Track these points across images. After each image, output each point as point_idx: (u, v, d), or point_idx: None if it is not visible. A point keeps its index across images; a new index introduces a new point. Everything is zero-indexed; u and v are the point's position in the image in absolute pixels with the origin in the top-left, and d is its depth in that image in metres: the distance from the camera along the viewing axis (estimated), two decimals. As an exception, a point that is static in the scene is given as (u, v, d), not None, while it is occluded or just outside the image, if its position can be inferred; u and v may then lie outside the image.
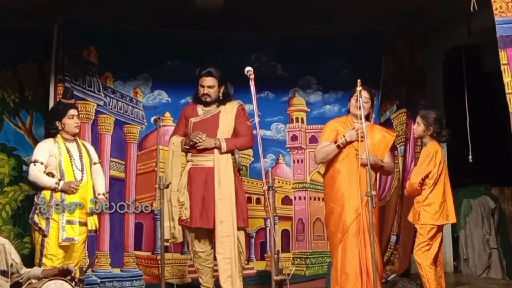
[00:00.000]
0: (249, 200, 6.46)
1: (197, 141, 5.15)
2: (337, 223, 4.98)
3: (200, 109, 5.34)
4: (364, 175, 4.73)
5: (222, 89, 5.32)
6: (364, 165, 4.74)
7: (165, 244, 5.18)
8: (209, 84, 5.26)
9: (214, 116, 5.28)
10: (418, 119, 4.99)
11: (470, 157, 6.25)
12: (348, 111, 5.21)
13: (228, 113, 5.29)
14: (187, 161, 5.28)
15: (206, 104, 5.30)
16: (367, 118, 5.11)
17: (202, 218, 5.12)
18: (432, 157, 4.83)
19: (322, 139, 5.20)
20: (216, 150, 5.16)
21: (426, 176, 4.83)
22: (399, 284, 3.30)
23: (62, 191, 4.88)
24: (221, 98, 5.31)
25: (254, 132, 4.97)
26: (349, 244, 4.89)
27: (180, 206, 5.13)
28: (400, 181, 6.65)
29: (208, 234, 5.24)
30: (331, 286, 5.03)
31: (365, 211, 4.80)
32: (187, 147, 5.23)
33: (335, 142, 5.04)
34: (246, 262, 5.37)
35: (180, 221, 5.15)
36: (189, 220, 5.13)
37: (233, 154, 5.20)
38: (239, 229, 5.16)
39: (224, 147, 5.16)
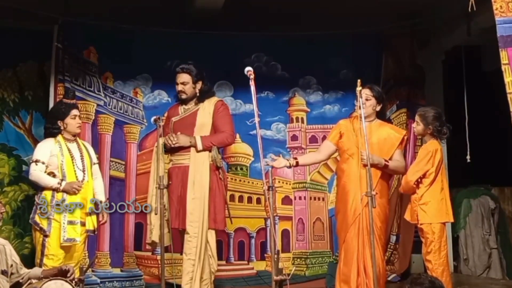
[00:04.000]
0: (249, 200, 6.47)
1: (170, 144, 5.04)
2: (341, 222, 4.99)
3: (181, 108, 5.25)
4: (366, 175, 4.75)
5: (198, 86, 5.18)
6: (365, 166, 4.73)
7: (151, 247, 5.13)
8: (182, 81, 5.15)
9: (192, 114, 5.17)
10: (417, 118, 4.93)
11: (468, 157, 6.26)
12: (354, 111, 5.22)
13: (205, 110, 5.15)
14: (169, 161, 5.20)
15: (183, 101, 5.20)
16: (377, 115, 5.09)
17: (178, 218, 5.02)
18: (431, 156, 4.79)
19: (328, 138, 5.25)
20: (192, 149, 5.04)
21: (424, 175, 4.80)
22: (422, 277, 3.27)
23: (64, 191, 4.86)
24: (198, 94, 5.18)
25: (254, 132, 4.95)
26: (350, 244, 4.89)
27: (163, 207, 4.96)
28: (400, 181, 6.64)
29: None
30: (336, 285, 5.03)
31: (366, 211, 4.80)
32: (166, 149, 5.12)
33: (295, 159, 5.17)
34: (216, 267, 5.12)
35: (166, 223, 5.00)
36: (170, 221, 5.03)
37: (211, 151, 5.06)
38: (210, 230, 5.01)
39: (199, 145, 5.03)
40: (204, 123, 5.12)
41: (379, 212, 4.85)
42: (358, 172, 4.89)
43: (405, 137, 5.24)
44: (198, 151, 5.04)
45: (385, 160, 4.96)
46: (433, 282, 3.26)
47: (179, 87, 5.17)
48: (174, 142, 5.03)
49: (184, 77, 5.16)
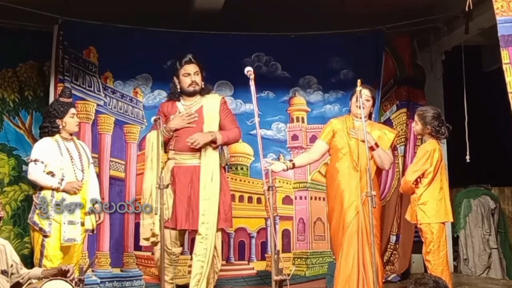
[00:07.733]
0: (249, 200, 6.47)
1: (193, 145, 4.91)
2: (338, 222, 4.98)
3: (180, 105, 5.11)
4: (364, 173, 4.76)
5: (202, 78, 5.11)
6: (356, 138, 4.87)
7: (146, 244, 5.03)
8: (195, 70, 5.01)
9: (197, 111, 5.04)
10: (416, 117, 4.95)
11: (467, 157, 6.26)
12: (349, 111, 5.22)
13: (211, 107, 5.06)
14: (169, 159, 5.09)
15: (191, 94, 5.05)
16: (369, 116, 5.13)
17: (188, 219, 4.92)
18: (429, 156, 4.79)
19: (320, 137, 5.26)
20: (203, 149, 4.95)
21: (422, 175, 4.80)
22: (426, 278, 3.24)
23: (64, 191, 4.84)
24: (203, 86, 5.09)
25: (254, 132, 4.94)
26: (349, 243, 4.89)
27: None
28: (400, 181, 6.65)
29: (182, 236, 5.12)
30: (334, 286, 5.03)
31: (365, 211, 4.80)
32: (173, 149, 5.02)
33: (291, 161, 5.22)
34: (220, 267, 5.10)
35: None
36: (170, 221, 4.92)
37: (221, 149, 5.02)
38: (218, 231, 4.95)
39: (220, 139, 4.95)
40: (213, 121, 5.02)
41: (374, 210, 4.85)
42: (351, 171, 4.91)
43: (396, 137, 5.35)
44: (216, 147, 4.96)
45: (376, 144, 4.94)
46: (437, 282, 3.25)
47: (192, 78, 5.02)
48: (194, 144, 4.91)
49: (195, 67, 5.03)
